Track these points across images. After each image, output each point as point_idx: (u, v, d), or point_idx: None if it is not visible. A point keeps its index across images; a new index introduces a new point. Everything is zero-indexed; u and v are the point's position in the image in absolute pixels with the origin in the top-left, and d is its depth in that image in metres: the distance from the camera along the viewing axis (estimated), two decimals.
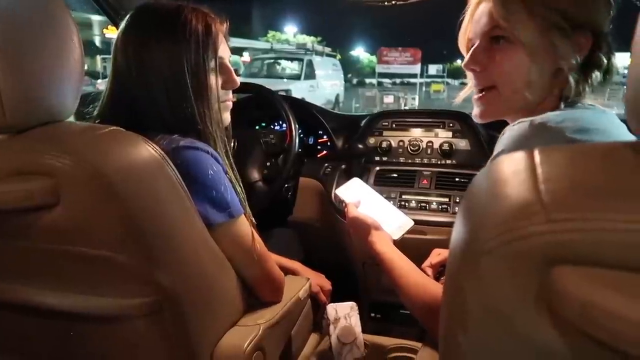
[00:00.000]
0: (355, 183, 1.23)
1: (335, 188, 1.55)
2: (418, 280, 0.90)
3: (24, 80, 0.61)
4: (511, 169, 0.38)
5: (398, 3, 1.28)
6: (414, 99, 12.82)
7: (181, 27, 0.84)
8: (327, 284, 1.29)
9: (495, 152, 0.71)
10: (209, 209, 0.78)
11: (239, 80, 0.97)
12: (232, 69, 0.95)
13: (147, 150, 0.67)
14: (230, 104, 0.98)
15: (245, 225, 0.86)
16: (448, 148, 1.56)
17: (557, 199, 0.33)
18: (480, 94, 0.81)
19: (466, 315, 0.38)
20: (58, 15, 0.65)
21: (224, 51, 0.91)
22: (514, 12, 0.72)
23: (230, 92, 0.97)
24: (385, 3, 1.30)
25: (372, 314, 1.60)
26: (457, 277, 0.39)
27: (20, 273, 0.71)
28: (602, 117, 0.70)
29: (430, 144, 1.60)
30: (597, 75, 0.74)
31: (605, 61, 0.74)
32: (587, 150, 0.39)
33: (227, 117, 0.97)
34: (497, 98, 0.79)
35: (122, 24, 0.87)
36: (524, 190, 0.35)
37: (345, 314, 1.20)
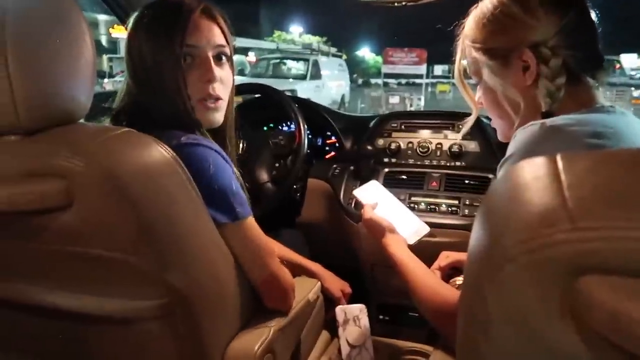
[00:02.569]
0: (374, 185, 1.24)
1: (344, 189, 1.54)
2: (431, 283, 0.89)
3: (38, 82, 0.61)
4: (533, 174, 0.37)
5: (408, 4, 1.27)
6: (419, 99, 12.77)
7: (160, 20, 0.83)
8: (348, 288, 1.29)
9: (507, 154, 0.71)
10: (215, 209, 0.76)
11: (211, 75, 0.87)
12: (208, 57, 0.86)
13: (159, 152, 0.67)
14: (211, 104, 0.88)
15: (254, 227, 0.84)
16: (457, 150, 1.55)
17: (583, 207, 0.32)
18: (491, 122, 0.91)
19: (487, 322, 0.38)
20: (71, 16, 0.65)
21: (197, 39, 0.84)
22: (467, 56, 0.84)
23: (213, 86, 0.87)
24: (395, 4, 1.30)
25: (380, 316, 1.59)
26: (477, 284, 0.38)
27: (33, 274, 0.71)
28: (620, 119, 0.70)
29: (440, 146, 1.59)
30: (560, 80, 0.73)
31: (555, 67, 0.73)
32: (612, 156, 0.38)
33: (209, 116, 0.88)
34: (495, 124, 0.88)
35: (128, 24, 0.89)
36: (548, 196, 0.34)
37: (354, 316, 1.20)
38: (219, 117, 0.91)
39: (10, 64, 0.58)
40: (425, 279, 0.91)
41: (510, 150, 0.71)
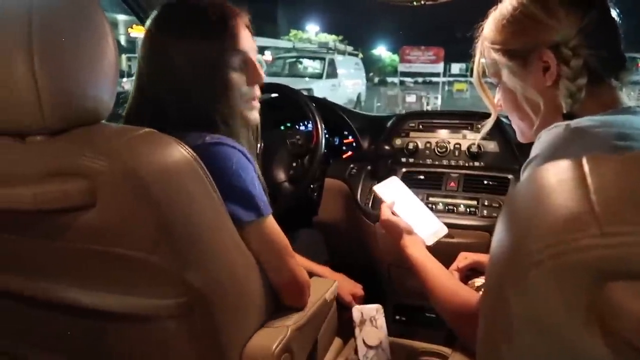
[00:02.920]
0: (394, 181, 1.22)
1: (361, 189, 1.54)
2: (450, 285, 0.89)
3: (63, 83, 0.62)
4: (558, 177, 0.36)
5: (427, 3, 1.26)
6: (436, 98, 12.67)
7: (200, 23, 0.83)
8: (359, 290, 1.28)
9: (531, 156, 0.70)
10: (237, 207, 0.77)
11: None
12: (257, 63, 0.92)
13: (180, 152, 0.68)
14: (257, 103, 0.95)
15: (273, 225, 0.85)
16: (476, 150, 1.54)
17: (610, 212, 0.32)
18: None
19: (510, 326, 0.37)
20: (94, 17, 0.66)
21: (246, 44, 0.88)
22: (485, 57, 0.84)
23: (257, 88, 0.94)
24: (414, 3, 1.29)
25: (397, 317, 1.58)
26: (500, 287, 0.38)
27: (56, 272, 0.72)
28: None
29: (458, 146, 1.58)
30: (581, 81, 0.72)
31: (576, 67, 0.71)
32: (639, 159, 0.38)
33: (254, 116, 0.94)
34: (515, 125, 0.88)
35: (147, 23, 0.88)
36: (574, 200, 0.33)
37: (371, 317, 1.19)
38: (257, 115, 0.96)
39: (36, 62, 0.59)
40: (444, 280, 0.90)
41: (534, 151, 0.70)
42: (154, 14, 0.87)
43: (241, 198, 0.78)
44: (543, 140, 0.69)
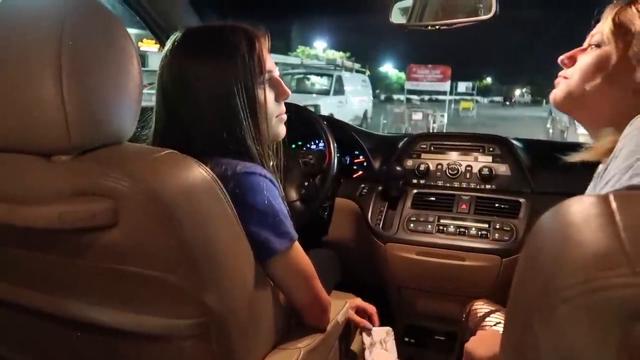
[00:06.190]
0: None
1: (372, 209, 1.54)
2: None
3: (90, 104, 0.63)
4: (585, 213, 0.37)
5: (442, 28, 1.28)
6: (442, 116, 12.69)
7: (226, 47, 0.84)
8: (371, 310, 1.26)
9: (624, 149, 0.65)
10: (271, 237, 0.79)
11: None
12: (281, 80, 0.94)
13: (201, 173, 0.68)
14: (285, 117, 0.98)
15: (300, 249, 0.86)
16: (488, 173, 1.54)
17: None
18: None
19: None
20: (120, 39, 0.67)
21: (270, 64, 0.91)
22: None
23: (283, 104, 0.97)
24: (429, 27, 1.30)
25: (406, 339, 1.57)
26: (527, 324, 0.38)
27: (73, 289, 0.73)
28: None
29: (469, 168, 1.58)
30: None
31: None
32: None
33: (282, 129, 0.97)
34: (564, 84, 0.86)
35: (169, 45, 0.88)
36: (603, 237, 0.34)
37: (381, 339, 1.19)
38: (284, 128, 0.99)
39: (65, 84, 0.60)
40: None
41: (630, 144, 0.65)
42: (177, 37, 0.88)
43: (273, 226, 0.79)
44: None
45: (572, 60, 0.86)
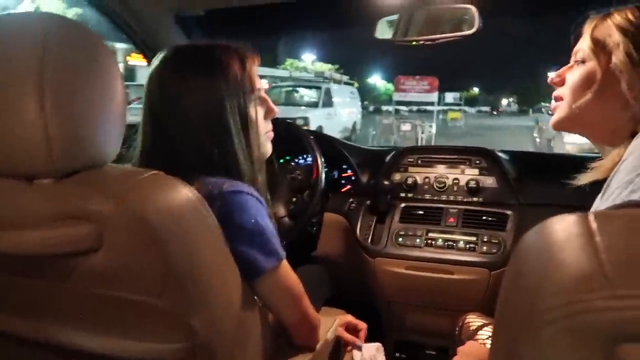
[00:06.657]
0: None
1: (361, 224, 1.54)
2: None
3: (73, 127, 0.62)
4: (566, 232, 0.37)
5: (426, 44, 1.29)
6: (431, 126, 12.79)
7: (217, 66, 0.84)
8: (361, 326, 1.24)
9: (626, 164, 0.66)
10: (259, 255, 0.78)
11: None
12: (268, 98, 0.95)
13: (186, 194, 0.68)
14: (272, 134, 0.98)
15: (289, 267, 0.85)
16: (475, 185, 1.55)
17: (621, 273, 0.32)
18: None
19: None
20: (103, 58, 0.66)
21: (259, 82, 0.92)
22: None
23: (270, 122, 0.97)
24: (414, 43, 1.32)
25: (397, 354, 1.56)
26: (512, 343, 0.38)
27: (60, 315, 0.71)
28: None
29: (457, 181, 1.59)
30: None
31: None
32: None
33: (270, 147, 0.97)
34: (558, 108, 0.87)
35: (156, 63, 0.87)
36: (583, 259, 0.34)
37: (371, 356, 1.18)
38: (270, 146, 1.00)
39: (47, 106, 0.58)
40: None
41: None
42: (166, 54, 0.87)
43: (261, 245, 0.78)
44: None
45: (561, 79, 0.88)
